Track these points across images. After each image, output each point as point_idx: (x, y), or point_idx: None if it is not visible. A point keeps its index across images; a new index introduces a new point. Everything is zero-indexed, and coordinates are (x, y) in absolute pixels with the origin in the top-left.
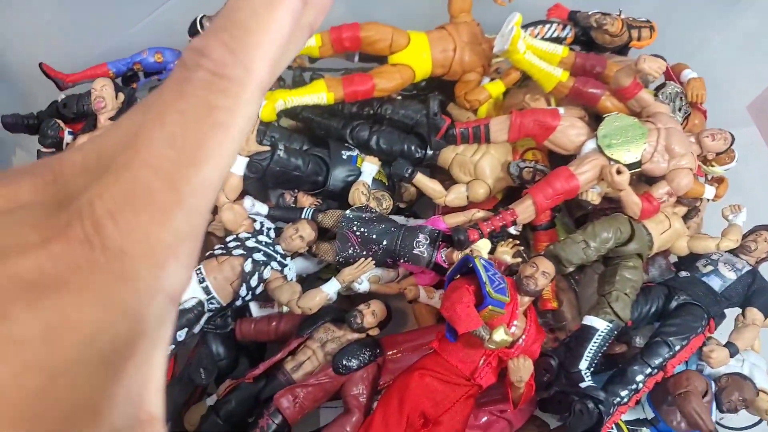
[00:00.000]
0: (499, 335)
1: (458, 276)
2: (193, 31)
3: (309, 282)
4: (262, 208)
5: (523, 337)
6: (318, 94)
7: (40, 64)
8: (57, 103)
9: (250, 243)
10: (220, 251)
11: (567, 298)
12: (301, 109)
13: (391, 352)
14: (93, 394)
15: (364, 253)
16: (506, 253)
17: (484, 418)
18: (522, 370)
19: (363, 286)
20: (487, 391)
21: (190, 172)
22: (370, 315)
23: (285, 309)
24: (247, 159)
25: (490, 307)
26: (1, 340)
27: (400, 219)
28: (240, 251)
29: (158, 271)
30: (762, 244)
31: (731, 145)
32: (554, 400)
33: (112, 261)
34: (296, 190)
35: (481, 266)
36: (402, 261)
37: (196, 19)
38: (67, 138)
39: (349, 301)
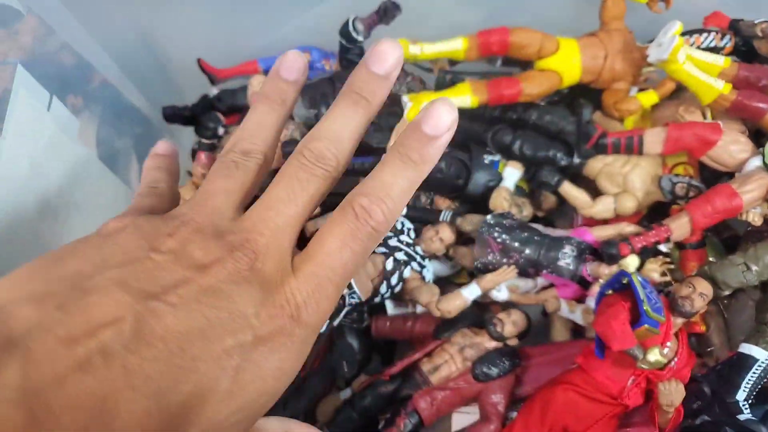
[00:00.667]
0: (654, 355)
1: (611, 291)
2: (344, 31)
3: (442, 285)
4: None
5: (675, 359)
6: (462, 96)
7: (198, 60)
8: (209, 97)
9: (393, 242)
10: None
11: (715, 323)
12: None
13: (527, 364)
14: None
15: (505, 260)
16: (655, 271)
17: None
18: (674, 393)
19: (502, 294)
20: (631, 413)
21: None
22: (510, 324)
23: (420, 309)
24: None
25: (645, 326)
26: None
27: (542, 228)
28: (382, 249)
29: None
30: None
31: None
32: (703, 430)
33: (302, 330)
34: (432, 193)
35: (638, 283)
36: (545, 272)
37: (348, 20)
38: (220, 131)
39: (481, 308)
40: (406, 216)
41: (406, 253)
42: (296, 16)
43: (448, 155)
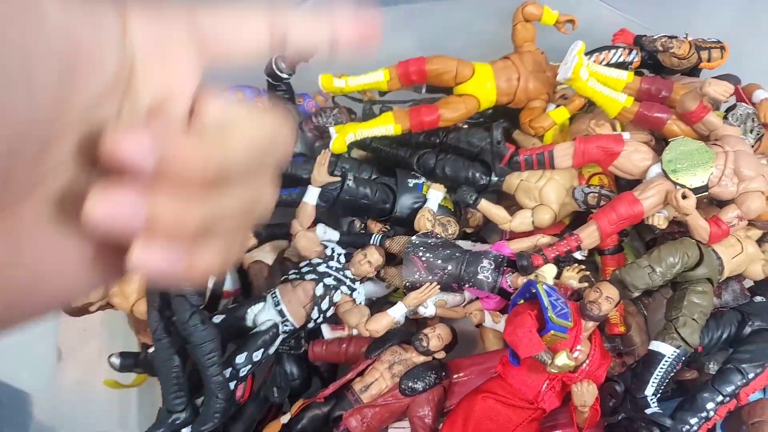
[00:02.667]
0: (562, 360)
1: (522, 301)
2: (269, 71)
3: (378, 305)
4: (334, 235)
5: (587, 361)
6: (386, 126)
7: None
8: None
9: (322, 268)
10: (294, 276)
11: (636, 323)
12: (370, 140)
13: (456, 376)
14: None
15: (430, 277)
16: (572, 278)
17: None
18: (586, 394)
19: (429, 310)
20: (552, 416)
21: None
22: (435, 338)
23: (355, 332)
24: (319, 189)
25: (552, 332)
26: None
27: (466, 244)
28: (312, 276)
29: None
30: None
31: None
32: (621, 426)
33: None
34: (365, 217)
35: (543, 291)
36: (467, 286)
37: (271, 60)
38: None
39: (416, 325)
40: (339, 242)
41: (336, 278)
42: None
43: (373, 181)
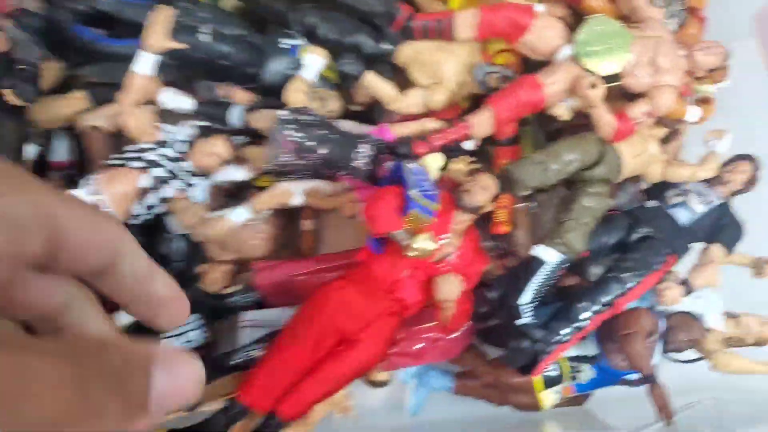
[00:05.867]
0: (421, 241)
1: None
2: None
3: (244, 190)
4: (185, 102)
5: (455, 254)
6: None
7: None
8: None
9: (151, 155)
10: (116, 161)
11: (523, 222)
12: None
13: (321, 266)
14: None
15: (299, 161)
16: (460, 172)
17: (417, 346)
18: (447, 286)
19: (296, 199)
20: (421, 317)
21: None
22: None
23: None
24: (157, 56)
25: (415, 210)
26: None
27: (348, 125)
28: (138, 164)
29: None
30: (738, 175)
31: (726, 61)
32: (495, 332)
33: None
34: (229, 83)
35: (408, 170)
36: (341, 173)
37: None
38: None
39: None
40: (193, 112)
41: (168, 170)
42: None
43: (237, 38)
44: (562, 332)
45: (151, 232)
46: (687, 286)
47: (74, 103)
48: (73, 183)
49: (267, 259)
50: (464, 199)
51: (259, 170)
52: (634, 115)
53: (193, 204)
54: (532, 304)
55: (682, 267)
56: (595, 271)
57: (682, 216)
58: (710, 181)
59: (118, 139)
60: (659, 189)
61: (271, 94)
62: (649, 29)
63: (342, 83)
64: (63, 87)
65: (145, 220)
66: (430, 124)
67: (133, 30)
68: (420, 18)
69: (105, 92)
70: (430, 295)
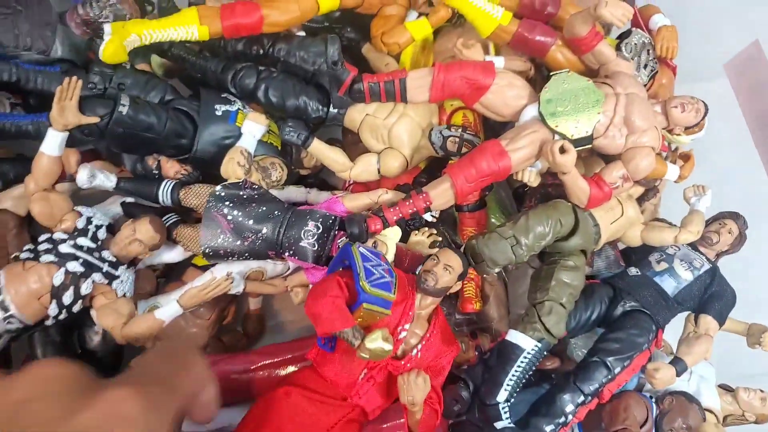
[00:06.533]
0: (374, 342)
1: (341, 270)
2: None
3: (178, 272)
4: (108, 180)
5: (419, 346)
6: (187, 27)
7: None
8: None
9: (65, 248)
10: (26, 255)
11: (495, 293)
12: (169, 45)
13: (262, 363)
14: None
15: (238, 242)
16: (421, 244)
17: None
18: (414, 388)
19: (237, 287)
20: (383, 416)
21: None
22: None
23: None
24: (64, 134)
25: (364, 304)
26: None
27: (297, 192)
28: (50, 257)
29: None
30: (725, 235)
31: (704, 117)
32: (468, 426)
33: None
34: (158, 155)
35: (357, 255)
36: (287, 254)
37: None
38: None
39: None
40: (116, 188)
41: (85, 262)
42: None
43: (164, 106)
44: (545, 429)
45: (73, 325)
46: (679, 365)
47: None
48: None
49: (207, 350)
50: (427, 281)
51: (194, 250)
52: (611, 180)
53: (116, 300)
54: (508, 403)
55: (668, 335)
56: (577, 350)
57: (668, 285)
58: (696, 243)
59: (32, 225)
60: (642, 253)
61: (207, 166)
62: (619, 85)
63: (286, 149)
64: None
65: (64, 319)
66: (386, 195)
67: (45, 101)
68: (369, 79)
69: (16, 169)
70: (394, 395)
